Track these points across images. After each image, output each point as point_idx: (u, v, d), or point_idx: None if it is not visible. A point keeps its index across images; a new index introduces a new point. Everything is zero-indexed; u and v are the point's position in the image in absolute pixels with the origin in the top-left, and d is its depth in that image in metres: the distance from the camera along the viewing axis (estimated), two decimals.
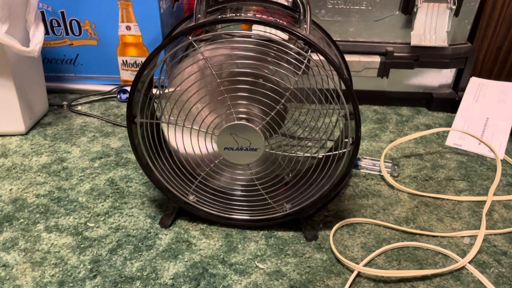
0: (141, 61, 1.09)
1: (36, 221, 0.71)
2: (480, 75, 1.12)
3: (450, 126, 1.00)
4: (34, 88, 0.96)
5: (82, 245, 0.67)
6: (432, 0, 0.97)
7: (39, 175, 0.82)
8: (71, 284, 0.61)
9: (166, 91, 0.64)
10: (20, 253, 0.65)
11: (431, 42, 1.00)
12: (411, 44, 1.01)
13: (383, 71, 1.04)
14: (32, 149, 0.90)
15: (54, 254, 0.65)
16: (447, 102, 1.08)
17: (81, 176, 0.82)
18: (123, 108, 1.06)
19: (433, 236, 0.71)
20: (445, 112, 1.08)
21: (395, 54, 1.03)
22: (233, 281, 0.62)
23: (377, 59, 1.03)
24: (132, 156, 0.87)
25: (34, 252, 0.66)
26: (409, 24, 1.01)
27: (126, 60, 1.10)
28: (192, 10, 0.63)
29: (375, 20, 1.02)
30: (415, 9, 0.98)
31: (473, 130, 0.96)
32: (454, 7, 0.97)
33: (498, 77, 1.14)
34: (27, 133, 0.95)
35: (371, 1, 0.99)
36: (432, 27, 0.99)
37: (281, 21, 0.60)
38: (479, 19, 1.07)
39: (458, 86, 1.08)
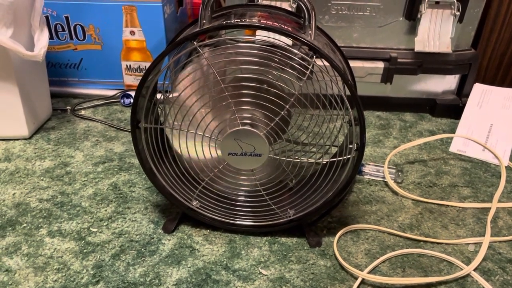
0: (145, 66, 1.09)
1: (39, 225, 0.71)
2: (484, 81, 1.12)
3: (453, 132, 1.00)
4: (38, 93, 0.96)
5: (85, 250, 0.67)
6: (436, 6, 0.97)
7: (42, 180, 0.82)
8: None
9: (170, 96, 0.64)
10: (23, 258, 0.65)
11: (435, 48, 1.00)
12: (415, 50, 1.01)
13: (386, 77, 1.04)
14: (35, 153, 0.90)
15: (57, 259, 0.65)
16: (450, 108, 1.08)
17: (84, 180, 0.82)
18: (127, 113, 1.06)
19: (438, 243, 0.70)
20: (448, 118, 1.08)
21: (398, 60, 1.03)
22: (236, 287, 0.62)
23: (380, 65, 1.03)
24: (135, 161, 0.87)
25: (37, 257, 0.65)
26: (413, 30, 1.01)
27: (130, 65, 1.10)
28: (196, 15, 0.63)
29: (379, 26, 1.02)
30: (419, 15, 0.98)
31: (477, 137, 0.96)
32: (458, 13, 0.97)
33: (502, 84, 1.13)
34: (30, 138, 0.95)
35: (375, 7, 0.99)
36: (436, 33, 0.99)
37: (286, 27, 0.60)
38: (483, 26, 1.07)
39: (462, 92, 1.08)
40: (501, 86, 1.05)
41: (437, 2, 0.97)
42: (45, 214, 0.74)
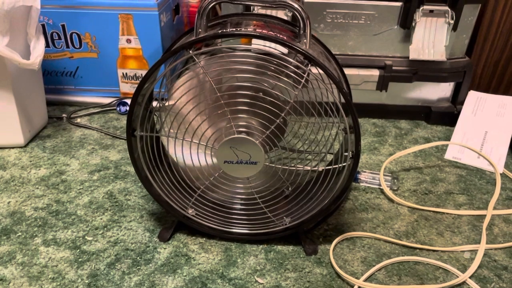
0: (141, 74, 1.09)
1: (34, 234, 0.71)
2: (478, 89, 1.13)
3: (449, 140, 1.01)
4: (33, 101, 0.96)
5: (80, 259, 0.66)
6: (430, 15, 0.98)
7: (37, 188, 0.82)
8: None
9: (166, 104, 0.64)
10: (17, 267, 0.65)
11: (429, 56, 1.01)
12: (410, 58, 1.02)
13: (382, 84, 1.05)
14: (31, 161, 0.89)
15: (51, 268, 0.65)
16: (445, 116, 1.08)
17: (80, 189, 0.82)
18: (123, 121, 1.06)
19: (434, 251, 0.70)
20: (443, 125, 1.09)
21: (393, 67, 1.03)
22: None
23: (376, 72, 1.04)
24: (131, 169, 0.87)
25: (31, 266, 0.65)
26: (407, 38, 1.02)
27: (126, 73, 1.10)
28: (192, 23, 0.63)
29: (374, 34, 1.03)
30: (413, 24, 0.99)
31: (472, 144, 0.96)
32: (452, 21, 0.98)
33: (496, 91, 1.14)
34: (26, 146, 0.94)
35: (370, 15, 1.00)
36: (431, 41, 1.00)
37: (281, 36, 0.60)
38: (477, 34, 1.08)
39: (457, 99, 1.08)
40: (495, 94, 1.06)
41: (431, 11, 0.98)
42: (40, 223, 0.73)
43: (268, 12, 0.95)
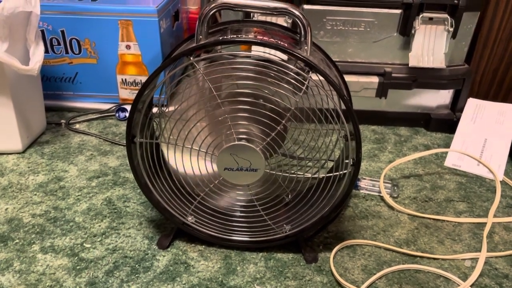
0: (141, 80, 1.09)
1: (32, 241, 0.70)
2: (477, 96, 1.13)
3: (448, 147, 1.00)
4: (32, 106, 0.96)
5: (78, 267, 0.66)
6: (430, 22, 0.98)
7: (35, 195, 0.81)
8: None
9: (166, 110, 0.64)
10: (15, 275, 0.64)
11: (429, 64, 1.01)
12: (409, 65, 1.02)
13: (381, 91, 1.05)
14: (29, 167, 0.89)
15: (49, 275, 0.64)
16: (445, 123, 1.08)
17: (78, 195, 0.81)
18: (121, 127, 1.05)
19: (434, 259, 0.70)
20: (443, 132, 1.09)
21: (393, 75, 1.03)
22: None
23: (375, 79, 1.04)
24: (129, 176, 0.87)
25: (29, 273, 0.64)
26: (407, 45, 1.02)
27: (125, 79, 1.10)
28: (192, 29, 0.63)
29: (374, 41, 1.03)
30: (413, 31, 0.99)
31: (471, 151, 0.96)
32: (451, 29, 0.98)
33: (495, 99, 1.14)
34: (24, 152, 0.94)
35: (370, 22, 1.00)
36: (430, 49, 1.00)
37: (281, 43, 0.60)
38: (476, 41, 1.08)
39: (456, 107, 1.08)
40: (494, 101, 1.06)
41: (430, 18, 0.98)
42: (37, 230, 0.73)
43: (269, 19, 0.95)
